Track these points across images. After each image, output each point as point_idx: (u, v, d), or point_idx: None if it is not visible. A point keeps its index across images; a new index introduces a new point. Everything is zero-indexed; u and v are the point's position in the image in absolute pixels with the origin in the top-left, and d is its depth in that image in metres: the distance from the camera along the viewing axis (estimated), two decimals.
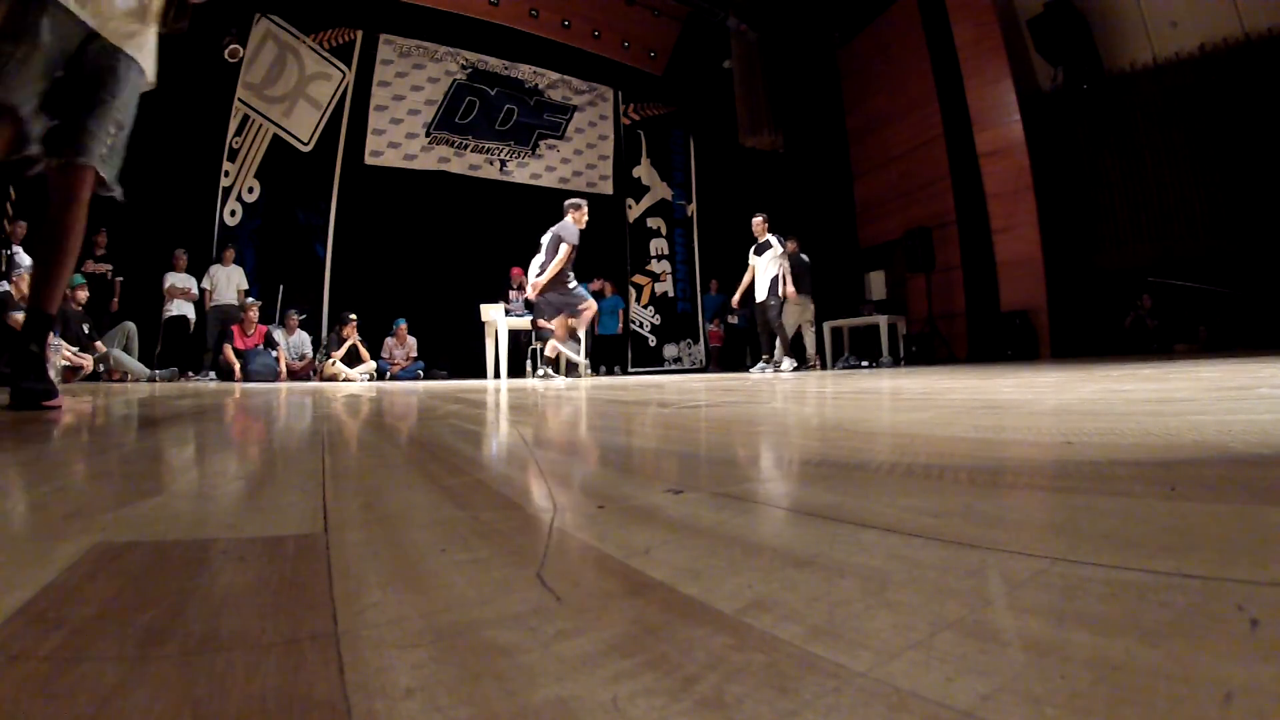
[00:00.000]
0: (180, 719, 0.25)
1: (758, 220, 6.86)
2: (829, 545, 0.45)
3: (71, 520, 0.57)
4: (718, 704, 0.25)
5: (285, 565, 0.45)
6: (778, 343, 6.86)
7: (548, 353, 5.75)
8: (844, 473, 0.76)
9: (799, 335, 7.31)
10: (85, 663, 0.29)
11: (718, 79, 10.09)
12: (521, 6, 8.84)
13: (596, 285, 9.28)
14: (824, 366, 8.49)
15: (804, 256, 7.33)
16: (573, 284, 5.67)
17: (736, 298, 7.12)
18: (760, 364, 6.86)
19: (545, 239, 5.69)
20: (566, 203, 5.72)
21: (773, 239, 6.77)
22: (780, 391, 2.69)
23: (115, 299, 6.62)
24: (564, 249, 5.45)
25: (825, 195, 10.17)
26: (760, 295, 6.76)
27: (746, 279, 6.97)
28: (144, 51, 1.95)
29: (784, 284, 6.66)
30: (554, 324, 5.71)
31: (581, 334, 7.56)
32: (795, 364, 6.75)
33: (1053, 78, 7.88)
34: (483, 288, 7.61)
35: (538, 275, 5.65)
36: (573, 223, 5.57)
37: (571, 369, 5.97)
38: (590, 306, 5.72)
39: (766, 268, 6.73)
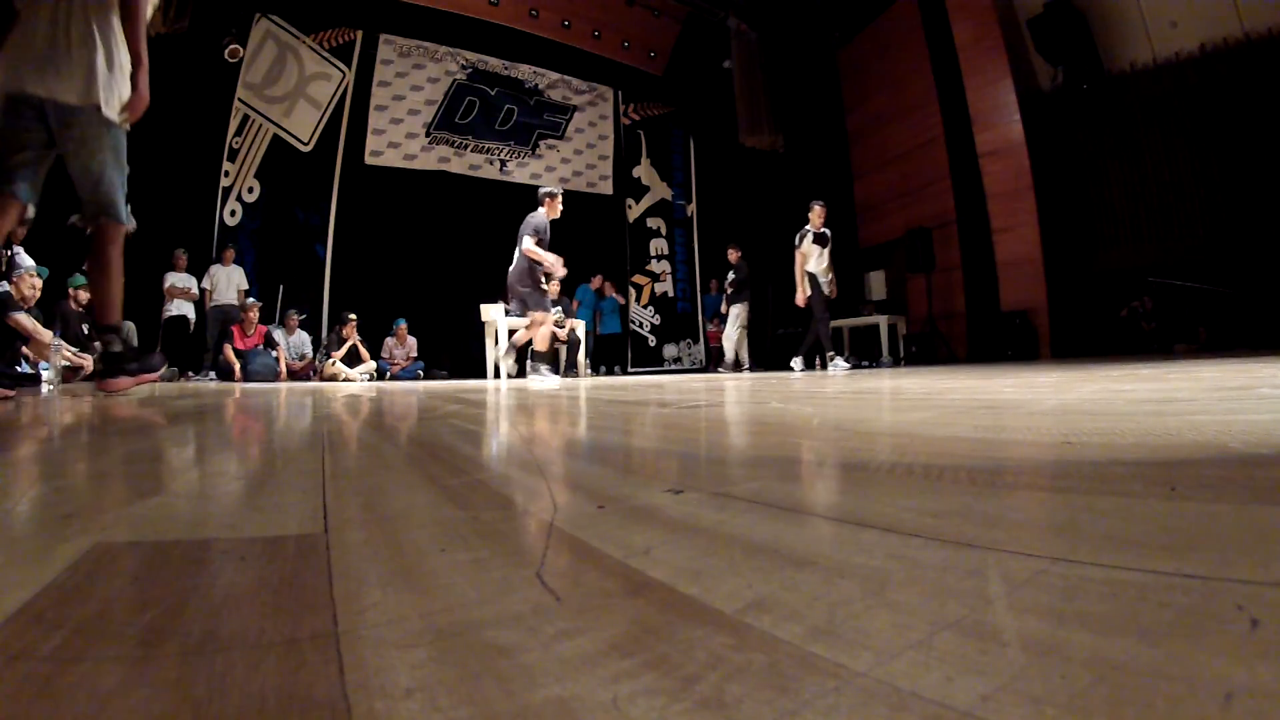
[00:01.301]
0: (180, 719, 0.25)
1: (821, 208, 6.62)
2: (829, 545, 0.45)
3: (71, 520, 0.57)
4: (718, 704, 0.25)
5: (285, 565, 0.45)
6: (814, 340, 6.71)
7: (537, 345, 5.69)
8: (844, 473, 0.76)
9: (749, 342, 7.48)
10: (85, 663, 0.29)
11: (718, 79, 10.09)
12: (521, 6, 8.84)
13: (596, 283, 9.27)
14: (825, 366, 8.49)
15: (744, 264, 7.46)
16: (544, 286, 5.62)
17: (800, 295, 6.65)
18: (836, 361, 6.53)
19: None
20: (541, 191, 5.62)
21: (827, 232, 6.60)
22: (780, 392, 2.69)
23: None
24: (527, 241, 5.32)
25: (825, 195, 10.09)
26: (827, 288, 6.58)
27: (801, 267, 6.60)
28: (114, 104, 2.30)
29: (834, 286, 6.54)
30: (538, 329, 5.65)
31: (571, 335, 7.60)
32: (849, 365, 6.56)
33: (1053, 78, 7.88)
34: (483, 288, 7.61)
35: (514, 267, 5.55)
36: (544, 213, 5.47)
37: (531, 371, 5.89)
38: (542, 322, 5.54)
39: (827, 261, 6.56)
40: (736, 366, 7.50)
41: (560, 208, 5.62)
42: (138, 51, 2.42)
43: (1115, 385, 2.00)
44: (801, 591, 0.37)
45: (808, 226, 6.60)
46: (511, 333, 5.76)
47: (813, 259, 6.56)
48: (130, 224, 2.37)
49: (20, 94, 2.13)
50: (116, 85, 2.29)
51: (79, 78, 2.19)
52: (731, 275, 7.65)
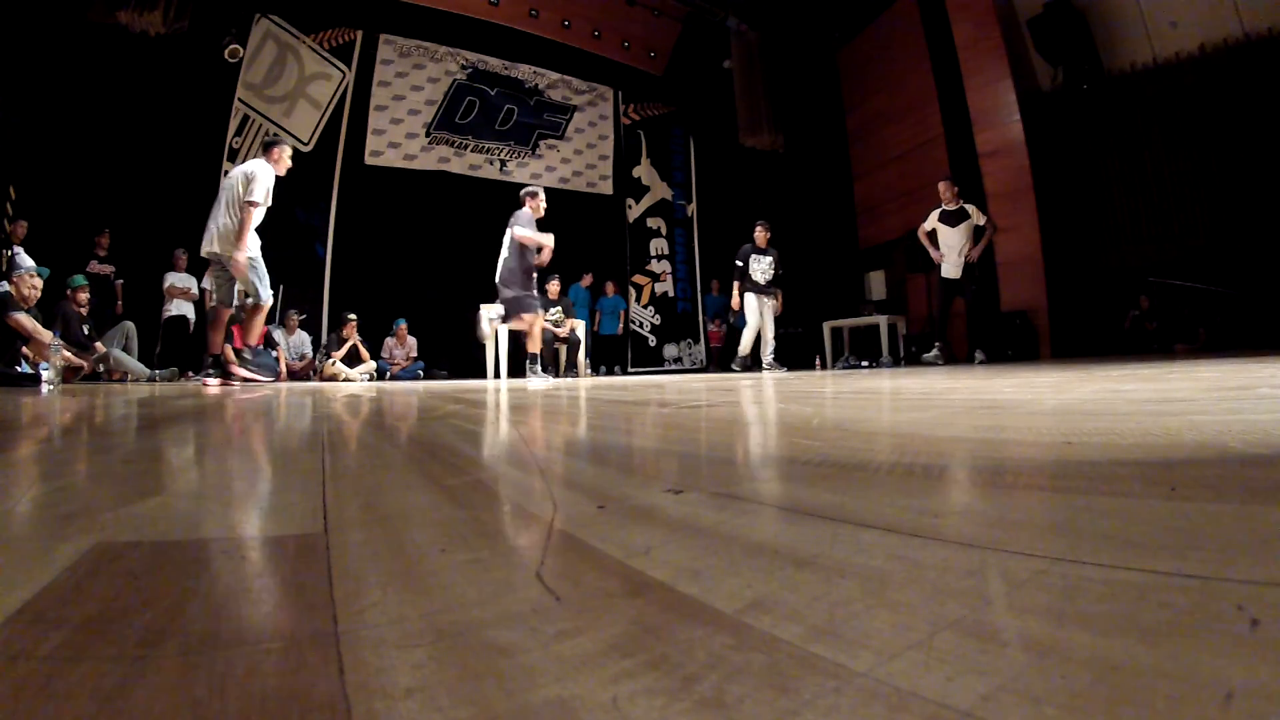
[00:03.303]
0: (180, 719, 0.25)
1: (947, 184, 6.38)
2: (829, 545, 0.45)
3: (71, 520, 0.57)
4: (718, 704, 0.25)
5: (285, 565, 0.45)
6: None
7: (530, 346, 5.76)
8: (844, 473, 0.76)
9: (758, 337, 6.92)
10: (85, 663, 0.29)
11: (718, 79, 10.08)
12: (521, 6, 8.83)
13: (587, 281, 9.24)
14: (825, 366, 8.49)
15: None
16: (533, 287, 5.68)
17: (947, 268, 6.29)
18: (978, 354, 6.26)
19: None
20: (523, 191, 5.79)
21: (969, 208, 6.33)
22: (780, 392, 2.69)
23: (119, 302, 6.61)
24: (519, 230, 5.48)
25: (825, 195, 10.16)
26: (952, 271, 6.34)
27: (937, 252, 6.31)
28: (246, 250, 4.54)
29: (977, 252, 6.12)
30: (530, 327, 5.71)
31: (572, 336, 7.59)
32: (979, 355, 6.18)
33: (1053, 78, 7.87)
34: (483, 288, 7.60)
35: (502, 268, 5.64)
36: (529, 211, 5.59)
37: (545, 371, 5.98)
38: (532, 323, 5.65)
39: (958, 241, 6.25)
40: (755, 365, 6.99)
41: (543, 205, 5.73)
42: (246, 230, 4.51)
43: (1115, 385, 2.00)
44: (801, 591, 0.37)
45: (943, 204, 6.47)
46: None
47: (944, 237, 6.35)
48: (267, 302, 4.73)
49: (213, 254, 4.58)
50: (244, 241, 4.50)
51: (229, 242, 4.49)
52: (771, 264, 6.91)
